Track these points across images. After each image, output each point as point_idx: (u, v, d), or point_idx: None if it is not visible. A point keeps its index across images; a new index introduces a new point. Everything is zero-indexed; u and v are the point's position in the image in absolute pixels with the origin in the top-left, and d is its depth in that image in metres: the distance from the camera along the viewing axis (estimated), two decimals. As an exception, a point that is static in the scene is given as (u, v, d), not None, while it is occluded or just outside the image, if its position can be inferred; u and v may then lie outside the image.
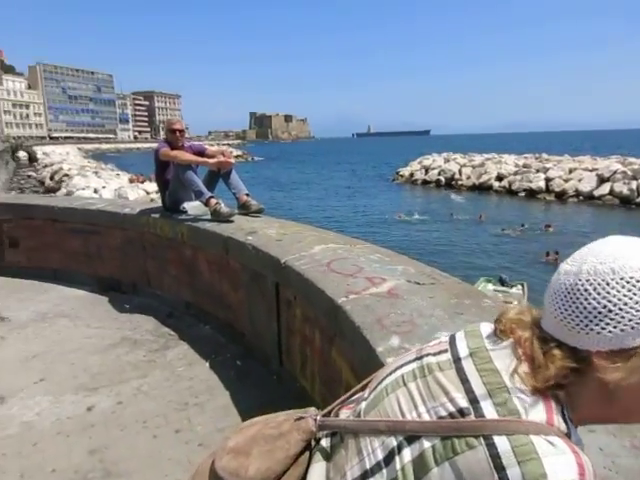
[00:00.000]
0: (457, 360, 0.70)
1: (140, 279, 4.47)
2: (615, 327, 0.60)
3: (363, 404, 0.76)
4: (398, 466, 0.66)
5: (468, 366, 0.68)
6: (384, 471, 0.67)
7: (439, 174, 37.19)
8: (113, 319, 4.05)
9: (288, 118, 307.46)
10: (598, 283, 0.61)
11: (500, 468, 0.57)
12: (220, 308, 3.69)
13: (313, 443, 0.81)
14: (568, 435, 0.62)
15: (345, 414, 0.81)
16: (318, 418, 0.81)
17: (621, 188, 26.00)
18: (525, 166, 33.45)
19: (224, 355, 3.40)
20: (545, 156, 36.33)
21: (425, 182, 37.97)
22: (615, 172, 27.11)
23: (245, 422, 0.87)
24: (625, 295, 0.60)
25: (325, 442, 0.80)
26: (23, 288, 4.79)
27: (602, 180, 27.49)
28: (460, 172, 36.28)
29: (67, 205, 4.81)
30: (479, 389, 0.65)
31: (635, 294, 0.59)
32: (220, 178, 3.92)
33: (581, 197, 27.56)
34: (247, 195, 3.89)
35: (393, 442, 0.67)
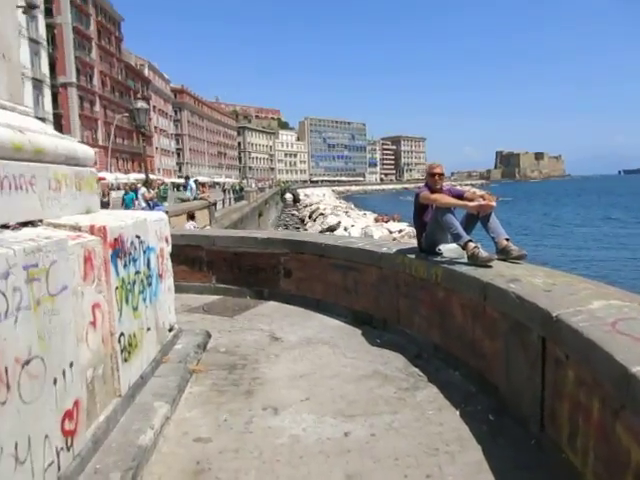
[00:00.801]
0: None
1: (391, 316, 4.66)
2: None
3: None
4: None
5: None
6: None
7: None
8: (365, 351, 4.30)
9: (539, 156, 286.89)
10: None
11: None
12: (471, 355, 3.57)
13: None
14: None
15: None
16: None
17: None
18: None
19: (475, 406, 3.25)
20: None
21: None
22: None
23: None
24: None
25: None
26: (292, 313, 5.49)
27: None
28: None
29: (332, 243, 5.38)
30: None
31: None
32: (478, 221, 3.86)
33: None
34: (507, 240, 3.72)
35: None
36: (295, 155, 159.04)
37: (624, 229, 37.71)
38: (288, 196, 75.79)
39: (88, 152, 3.32)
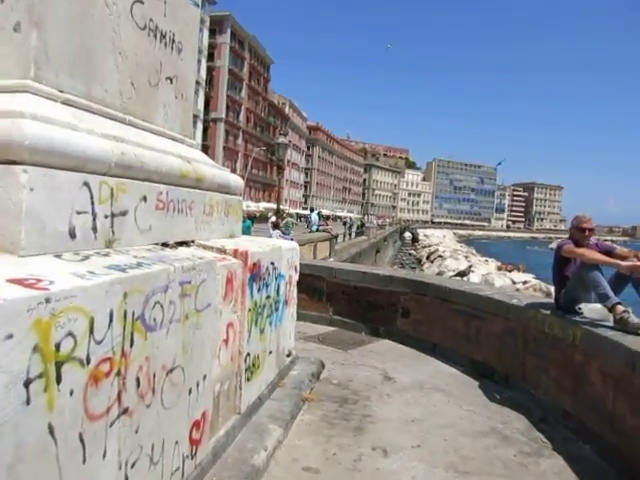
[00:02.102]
0: None
1: (515, 372, 4.35)
2: None
3: None
4: None
5: None
6: None
7: None
8: (483, 406, 4.05)
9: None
10: None
11: None
12: (609, 430, 3.19)
13: None
14: None
15: None
16: None
17: None
18: None
19: (609, 488, 2.89)
20: None
21: None
22: None
23: None
24: None
25: None
26: (407, 354, 5.38)
27: None
28: None
29: (457, 287, 5.22)
30: None
31: None
32: (630, 283, 3.49)
33: None
34: (663, 307, 3.32)
35: None
36: (419, 195, 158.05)
37: None
38: (407, 235, 75.19)
39: (238, 182, 3.65)
